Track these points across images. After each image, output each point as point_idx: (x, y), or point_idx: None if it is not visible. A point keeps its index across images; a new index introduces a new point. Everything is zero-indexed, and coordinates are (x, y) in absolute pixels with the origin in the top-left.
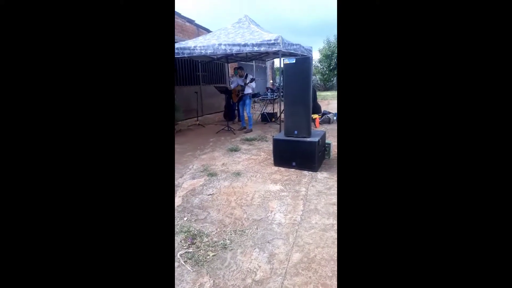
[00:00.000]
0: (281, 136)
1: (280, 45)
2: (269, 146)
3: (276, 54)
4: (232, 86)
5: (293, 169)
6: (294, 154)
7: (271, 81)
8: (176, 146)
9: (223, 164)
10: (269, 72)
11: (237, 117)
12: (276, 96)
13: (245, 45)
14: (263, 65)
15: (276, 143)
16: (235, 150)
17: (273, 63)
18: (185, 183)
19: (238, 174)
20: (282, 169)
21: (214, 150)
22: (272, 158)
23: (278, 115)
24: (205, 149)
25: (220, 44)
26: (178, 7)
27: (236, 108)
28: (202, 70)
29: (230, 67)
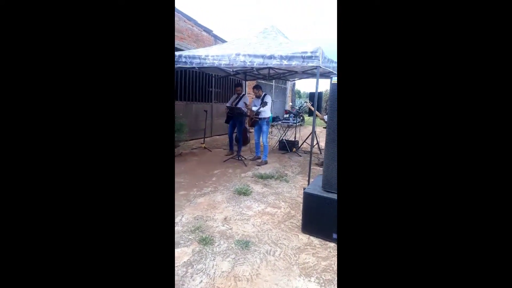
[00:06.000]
0: (317, 190)
1: (319, 59)
2: (291, 191)
3: (305, 73)
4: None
5: (334, 244)
6: (336, 221)
7: (290, 104)
8: None
9: (225, 219)
10: (289, 94)
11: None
12: (299, 122)
13: (270, 57)
14: (283, 86)
15: (309, 200)
16: (245, 193)
17: (294, 84)
18: None
19: (245, 245)
20: (315, 241)
21: (216, 190)
22: (299, 218)
23: (300, 144)
24: (205, 186)
25: (238, 55)
26: (195, 16)
27: (234, 131)
28: (216, 86)
29: (248, 85)
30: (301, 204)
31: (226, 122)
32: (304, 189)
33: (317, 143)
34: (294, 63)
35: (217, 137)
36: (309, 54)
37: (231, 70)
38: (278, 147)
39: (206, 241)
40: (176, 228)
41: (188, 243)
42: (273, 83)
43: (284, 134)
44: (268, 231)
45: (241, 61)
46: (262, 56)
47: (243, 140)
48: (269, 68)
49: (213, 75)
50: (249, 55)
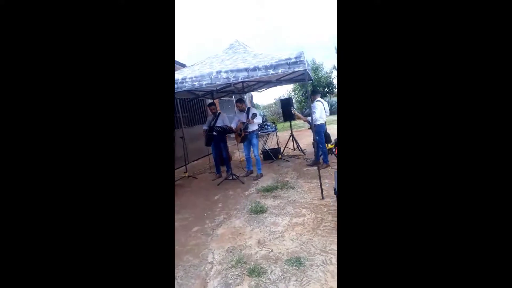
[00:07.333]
0: None
1: (304, 64)
2: (303, 196)
3: (278, 81)
4: (233, 124)
5: None
6: None
7: None
8: None
9: (258, 242)
10: (248, 105)
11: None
12: (274, 129)
13: (255, 69)
14: (242, 99)
15: None
16: (261, 211)
17: (251, 96)
18: None
19: (298, 262)
20: None
21: (230, 216)
22: (329, 220)
23: (282, 150)
24: (216, 215)
25: (219, 72)
26: None
27: (218, 150)
28: (183, 110)
29: (216, 104)
30: (322, 207)
31: (207, 144)
32: (334, 189)
33: (298, 146)
34: (280, 70)
35: (195, 162)
36: (293, 60)
37: (215, 88)
38: (262, 157)
39: (256, 272)
40: (214, 267)
41: (239, 280)
42: (233, 98)
43: (265, 143)
44: (309, 241)
45: (224, 78)
46: (246, 69)
47: (226, 159)
48: (242, 82)
49: (178, 100)
50: (232, 71)
